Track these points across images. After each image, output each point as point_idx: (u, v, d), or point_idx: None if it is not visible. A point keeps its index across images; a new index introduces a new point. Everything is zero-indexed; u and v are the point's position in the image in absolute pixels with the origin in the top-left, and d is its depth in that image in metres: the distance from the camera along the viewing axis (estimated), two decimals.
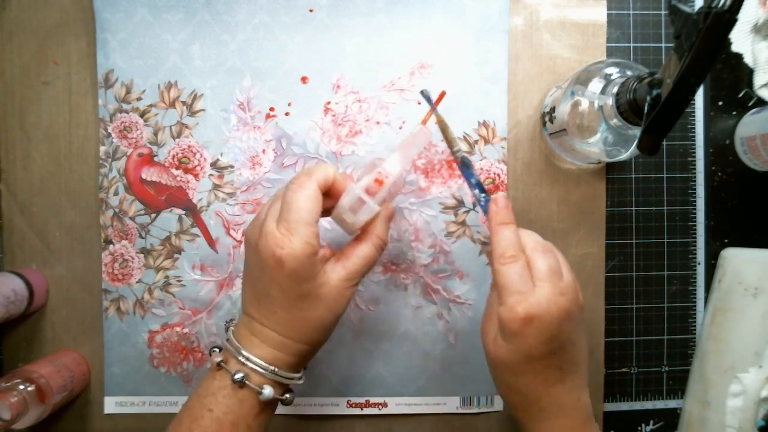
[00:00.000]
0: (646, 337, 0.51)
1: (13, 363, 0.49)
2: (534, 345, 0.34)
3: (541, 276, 0.35)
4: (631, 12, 0.50)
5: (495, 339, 0.36)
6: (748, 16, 0.49)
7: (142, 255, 0.49)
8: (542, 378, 0.35)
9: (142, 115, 0.49)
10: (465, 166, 0.41)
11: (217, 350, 0.38)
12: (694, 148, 0.51)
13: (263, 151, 0.49)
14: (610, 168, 0.51)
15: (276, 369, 0.36)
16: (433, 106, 0.41)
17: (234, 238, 0.49)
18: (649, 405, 0.52)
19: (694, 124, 0.51)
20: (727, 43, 0.50)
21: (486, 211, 0.39)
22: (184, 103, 0.49)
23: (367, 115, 0.49)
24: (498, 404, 0.50)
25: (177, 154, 0.49)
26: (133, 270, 0.49)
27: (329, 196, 0.38)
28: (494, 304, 0.36)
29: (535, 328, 0.33)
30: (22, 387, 0.42)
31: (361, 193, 0.37)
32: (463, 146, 0.40)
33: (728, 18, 0.27)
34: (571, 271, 0.37)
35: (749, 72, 0.51)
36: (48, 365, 0.46)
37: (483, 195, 0.40)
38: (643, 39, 0.50)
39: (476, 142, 0.49)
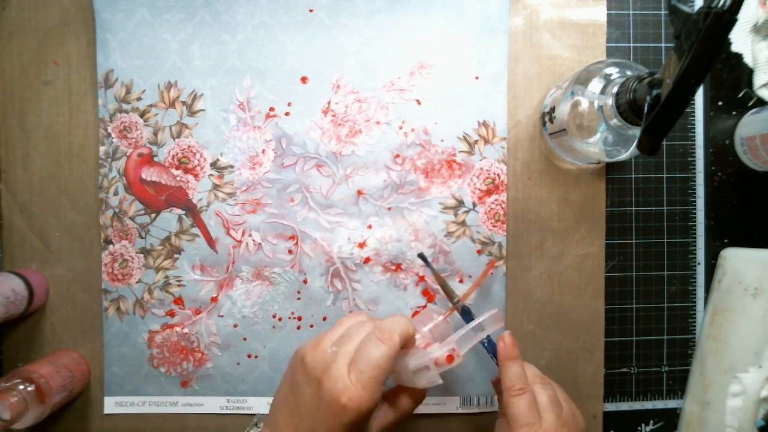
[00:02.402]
0: (646, 337, 0.51)
1: (13, 363, 0.49)
2: None
3: (545, 407, 0.39)
4: (631, 12, 0.50)
5: None
6: (748, 16, 0.49)
7: (141, 255, 0.49)
8: None
9: (141, 115, 0.49)
10: (467, 314, 0.46)
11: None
12: (694, 148, 0.51)
13: (263, 151, 0.49)
14: (610, 168, 0.51)
15: None
16: (430, 265, 0.47)
17: (234, 238, 0.49)
18: (649, 405, 0.52)
19: (694, 124, 0.51)
20: (727, 43, 0.50)
21: (492, 349, 0.44)
22: (183, 103, 0.49)
23: (367, 115, 0.49)
24: (498, 404, 0.50)
25: (177, 154, 0.49)
26: (132, 270, 0.49)
27: None
28: (503, 431, 0.40)
29: None
30: (22, 387, 0.42)
31: (430, 364, 0.39)
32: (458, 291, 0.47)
33: (728, 18, 0.27)
34: (568, 398, 0.42)
35: (749, 72, 0.51)
36: (48, 365, 0.46)
37: (486, 338, 0.44)
38: (643, 39, 0.50)
39: (476, 142, 0.49)
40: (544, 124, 0.48)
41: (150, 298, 0.49)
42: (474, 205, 0.50)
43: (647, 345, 0.51)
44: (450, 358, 0.40)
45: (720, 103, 0.51)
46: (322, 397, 0.34)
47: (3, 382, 0.42)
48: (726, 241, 0.52)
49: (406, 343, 0.38)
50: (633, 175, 0.51)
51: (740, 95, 0.51)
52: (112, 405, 0.50)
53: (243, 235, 0.49)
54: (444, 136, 0.49)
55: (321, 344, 0.37)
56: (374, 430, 0.38)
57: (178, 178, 0.49)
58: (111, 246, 0.49)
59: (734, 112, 0.51)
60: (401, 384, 0.41)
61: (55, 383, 0.45)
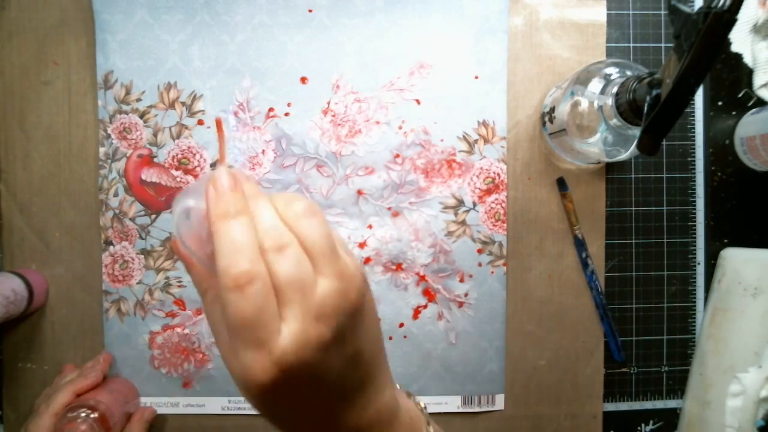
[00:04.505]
0: (645, 337, 0.51)
1: (13, 363, 0.49)
2: (300, 395, 0.23)
3: (294, 289, 0.22)
4: (630, 12, 0.50)
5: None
6: (747, 16, 0.49)
7: (142, 256, 0.49)
8: (320, 419, 0.25)
9: (141, 116, 0.49)
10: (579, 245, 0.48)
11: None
12: (694, 148, 0.51)
13: (263, 151, 0.49)
14: (610, 168, 0.51)
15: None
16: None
17: None
18: (648, 405, 0.52)
19: (693, 124, 0.51)
20: (727, 43, 0.50)
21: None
22: (183, 103, 0.49)
23: (366, 115, 0.49)
24: (499, 403, 0.50)
25: (177, 154, 0.49)
26: (133, 271, 0.49)
27: None
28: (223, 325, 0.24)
29: (297, 380, 0.22)
30: (84, 414, 0.42)
31: None
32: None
33: (728, 18, 0.27)
34: (343, 256, 0.24)
35: (749, 72, 0.51)
36: (104, 392, 0.45)
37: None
38: (643, 39, 0.50)
39: (476, 141, 0.49)
40: (544, 124, 0.48)
41: (151, 299, 0.49)
42: (474, 204, 0.50)
43: (647, 345, 0.51)
44: None
45: (720, 103, 0.51)
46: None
47: (68, 411, 0.42)
48: (726, 241, 0.52)
49: None
50: (633, 175, 0.51)
51: (740, 95, 0.51)
52: None
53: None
54: (444, 136, 0.49)
55: None
56: None
57: (178, 179, 0.49)
58: (111, 247, 0.49)
59: (734, 112, 0.51)
60: None
61: (116, 409, 0.44)
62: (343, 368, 0.24)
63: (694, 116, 0.51)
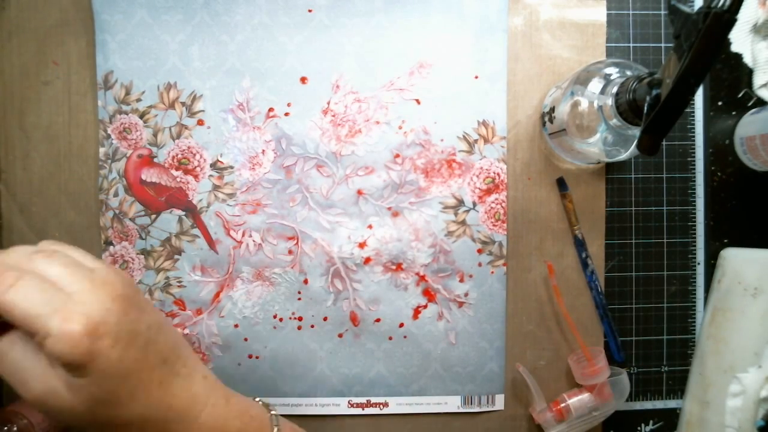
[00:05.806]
0: (645, 337, 0.51)
1: None
2: (121, 357, 0.25)
3: (69, 278, 0.26)
4: (630, 12, 0.50)
5: (64, 389, 0.25)
6: (747, 16, 0.49)
7: (142, 256, 0.49)
8: (155, 386, 0.27)
9: (141, 116, 0.49)
10: (580, 245, 0.50)
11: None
12: (694, 148, 0.51)
13: (263, 151, 0.49)
14: (610, 168, 0.51)
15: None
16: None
17: (234, 239, 0.49)
18: (648, 405, 0.52)
19: (693, 124, 0.51)
20: (727, 43, 0.50)
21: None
22: (183, 104, 0.49)
23: (366, 115, 0.49)
24: (499, 403, 0.51)
25: (177, 155, 0.49)
26: (133, 271, 0.49)
27: None
28: (27, 357, 0.26)
29: (108, 338, 0.25)
30: (6, 428, 0.41)
31: None
32: None
33: (728, 18, 0.27)
34: (96, 258, 0.31)
35: (749, 72, 0.51)
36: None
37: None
38: (643, 39, 0.50)
39: (476, 141, 0.49)
40: (543, 124, 0.49)
41: (150, 299, 0.49)
42: (474, 204, 0.50)
43: (647, 345, 0.51)
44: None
45: (720, 103, 0.51)
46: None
47: None
48: (726, 241, 0.52)
49: None
50: (633, 175, 0.51)
51: (740, 95, 0.51)
52: None
53: (243, 235, 0.49)
54: (444, 136, 0.49)
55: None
56: None
57: (178, 179, 0.49)
58: (111, 247, 0.49)
59: (734, 112, 0.51)
60: None
61: (36, 419, 0.43)
62: (144, 339, 0.27)
63: (694, 116, 0.51)
